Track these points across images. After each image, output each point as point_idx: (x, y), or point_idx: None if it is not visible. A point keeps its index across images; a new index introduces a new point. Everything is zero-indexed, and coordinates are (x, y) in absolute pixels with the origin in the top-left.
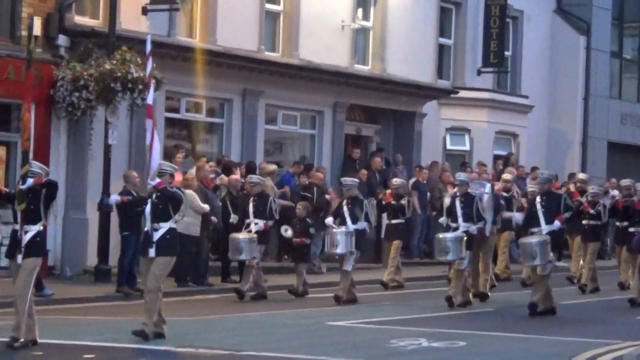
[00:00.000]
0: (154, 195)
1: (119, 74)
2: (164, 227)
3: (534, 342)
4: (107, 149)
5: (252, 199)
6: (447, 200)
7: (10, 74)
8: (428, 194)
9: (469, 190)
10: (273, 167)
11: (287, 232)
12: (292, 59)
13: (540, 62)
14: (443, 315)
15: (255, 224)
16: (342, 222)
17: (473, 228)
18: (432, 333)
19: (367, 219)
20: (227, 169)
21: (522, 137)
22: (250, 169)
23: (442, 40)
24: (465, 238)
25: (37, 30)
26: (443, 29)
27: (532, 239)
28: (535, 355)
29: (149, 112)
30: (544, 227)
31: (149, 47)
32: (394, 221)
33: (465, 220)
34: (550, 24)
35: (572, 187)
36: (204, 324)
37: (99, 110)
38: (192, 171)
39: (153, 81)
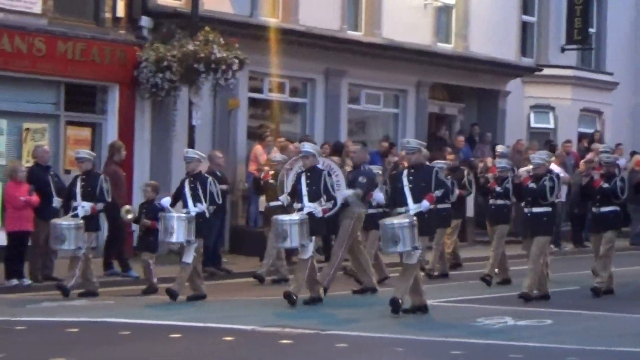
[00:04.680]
0: None
1: (202, 55)
2: None
3: (623, 320)
4: (191, 129)
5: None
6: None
7: (94, 56)
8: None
9: None
10: (357, 146)
11: (128, 214)
12: (374, 38)
13: (625, 38)
14: None
15: (82, 207)
16: (184, 204)
17: (318, 210)
18: (516, 311)
19: (212, 202)
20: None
21: (607, 114)
22: (337, 148)
23: (526, 17)
24: (306, 222)
25: (121, 12)
26: (526, 6)
27: (395, 220)
28: (625, 334)
29: None
30: (412, 207)
31: None
32: (272, 204)
33: (312, 199)
34: None
35: (489, 162)
36: (272, 305)
37: (183, 91)
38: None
39: None
